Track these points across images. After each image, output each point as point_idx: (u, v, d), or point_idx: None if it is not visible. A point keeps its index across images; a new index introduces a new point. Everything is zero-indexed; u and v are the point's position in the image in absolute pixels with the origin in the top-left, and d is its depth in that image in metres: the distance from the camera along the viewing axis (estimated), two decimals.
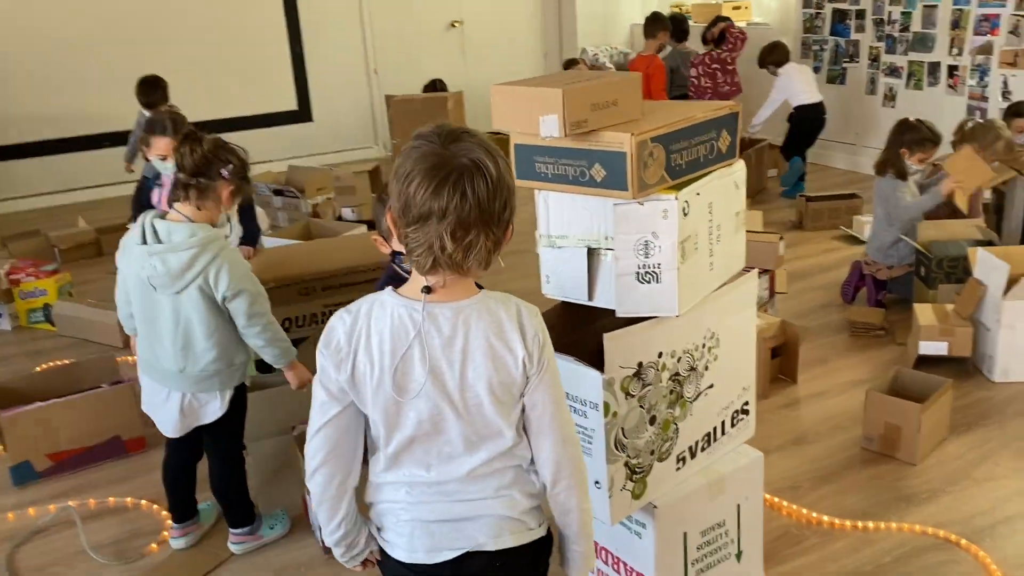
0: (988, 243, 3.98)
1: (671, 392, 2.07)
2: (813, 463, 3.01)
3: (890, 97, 6.68)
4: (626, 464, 2.03)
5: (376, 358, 1.42)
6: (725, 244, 2.11)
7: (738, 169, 2.13)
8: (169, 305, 2.40)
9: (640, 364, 1.98)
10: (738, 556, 2.32)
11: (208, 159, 2.38)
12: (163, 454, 2.68)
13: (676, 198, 1.87)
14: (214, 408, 2.50)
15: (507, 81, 1.98)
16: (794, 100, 6.25)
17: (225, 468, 2.62)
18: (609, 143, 1.83)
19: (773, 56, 6.36)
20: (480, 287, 1.50)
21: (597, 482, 2.03)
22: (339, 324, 1.47)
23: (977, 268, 3.59)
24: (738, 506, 2.27)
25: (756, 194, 6.38)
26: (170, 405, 2.50)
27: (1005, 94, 5.85)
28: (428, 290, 1.42)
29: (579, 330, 2.21)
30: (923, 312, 3.65)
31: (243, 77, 8.29)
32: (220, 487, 2.63)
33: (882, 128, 6.80)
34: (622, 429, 2.00)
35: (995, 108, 5.90)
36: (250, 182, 2.55)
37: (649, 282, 1.93)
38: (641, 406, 2.01)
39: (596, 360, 1.96)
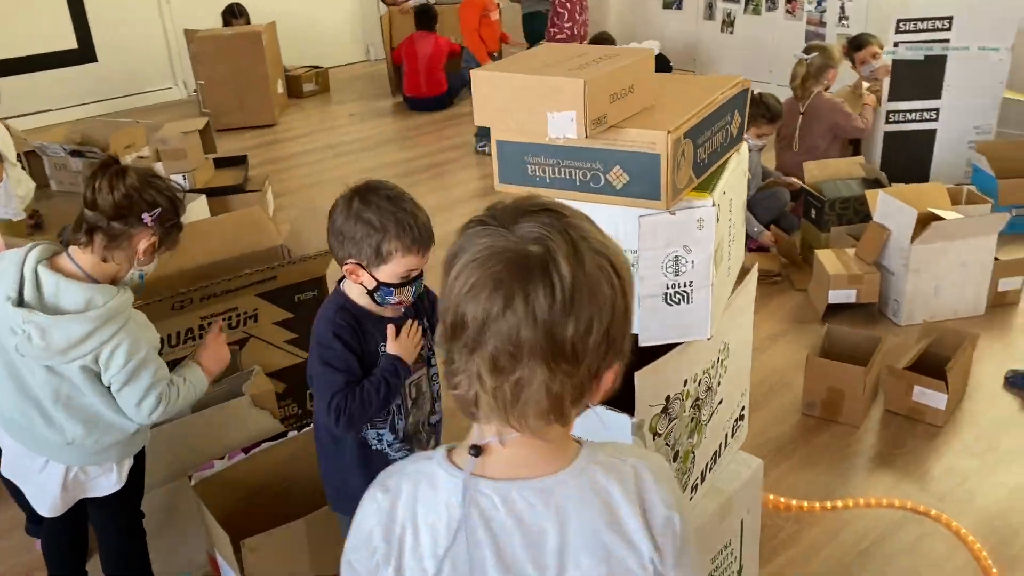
0: (875, 181, 3.98)
1: (691, 420, 1.79)
2: (761, 436, 2.87)
3: (728, 23, 6.65)
4: None
5: (431, 566, 0.95)
6: (736, 243, 1.83)
7: (744, 152, 1.84)
8: (42, 373, 1.82)
9: (668, 398, 1.68)
10: (739, 572, 2.13)
11: (131, 199, 1.77)
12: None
13: (713, 203, 1.55)
14: (108, 482, 1.97)
15: (490, 65, 1.56)
16: None
17: (125, 546, 2.10)
18: (636, 142, 1.48)
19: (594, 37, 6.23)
20: (579, 441, 1.02)
21: None
22: (372, 512, 1.00)
23: (878, 211, 3.56)
24: (741, 521, 2.07)
25: None
26: (47, 477, 1.94)
27: (842, 19, 5.94)
28: (477, 451, 0.95)
29: None
30: (827, 259, 3.59)
31: (4, 12, 7.01)
32: (118, 568, 2.11)
33: (722, 56, 6.81)
34: None
35: (833, 34, 5.99)
36: (180, 230, 1.93)
37: (678, 303, 1.62)
38: (667, 444, 1.73)
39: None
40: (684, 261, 1.58)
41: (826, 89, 4.60)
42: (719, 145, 1.68)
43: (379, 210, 1.66)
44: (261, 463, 2.42)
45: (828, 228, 3.92)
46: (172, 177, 4.52)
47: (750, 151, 4.14)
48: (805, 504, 2.56)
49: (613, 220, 1.60)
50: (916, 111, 4.80)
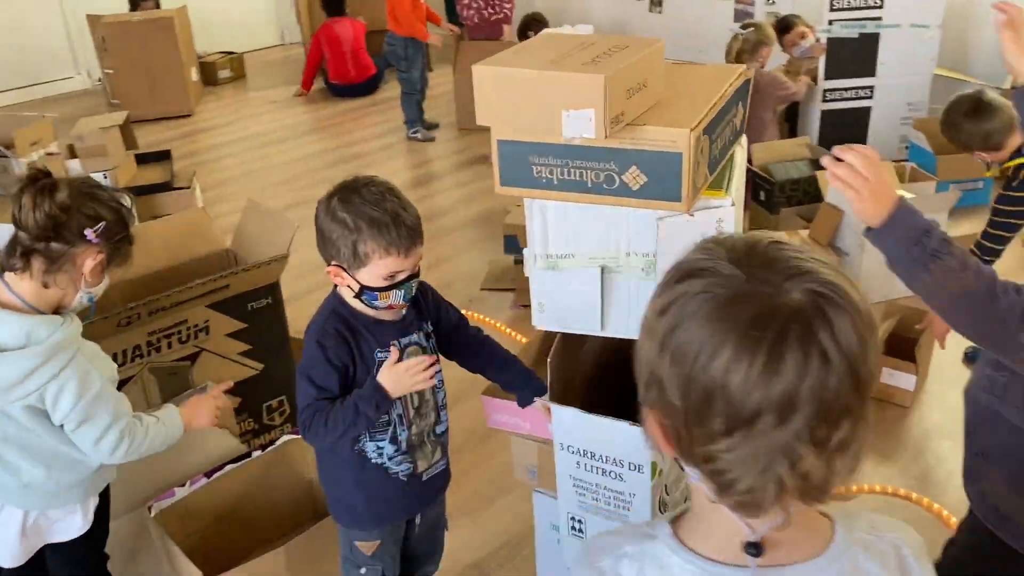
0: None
1: None
2: None
3: (657, 2, 6.61)
4: None
5: None
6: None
7: (744, 144, 1.76)
8: None
9: None
10: None
11: (59, 218, 1.56)
12: None
13: (732, 202, 1.46)
14: (73, 525, 1.78)
15: (489, 60, 1.43)
16: None
17: None
18: (656, 141, 1.37)
19: (532, 27, 6.08)
20: (826, 515, 0.86)
21: None
22: None
23: (830, 193, 3.56)
24: None
25: None
26: (4, 524, 1.73)
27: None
28: (757, 550, 0.79)
29: (566, 359, 1.77)
30: None
31: None
32: None
33: (652, 36, 6.78)
34: (665, 486, 1.62)
35: (761, 13, 6.00)
36: (130, 243, 1.73)
37: None
38: None
39: (600, 399, 1.57)
40: None
41: (761, 67, 4.58)
42: (727, 139, 1.60)
43: (355, 209, 1.54)
44: (225, 487, 2.25)
45: (778, 210, 3.92)
46: (92, 175, 4.23)
47: None
48: None
49: (622, 223, 1.50)
50: (852, 89, 4.85)
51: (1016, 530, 1.49)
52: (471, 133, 5.91)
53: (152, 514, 2.18)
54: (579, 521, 1.71)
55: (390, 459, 1.69)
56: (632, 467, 1.56)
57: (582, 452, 1.62)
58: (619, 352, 1.87)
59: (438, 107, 6.51)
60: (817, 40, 4.73)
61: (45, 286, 1.60)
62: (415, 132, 5.89)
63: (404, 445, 1.69)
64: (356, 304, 1.63)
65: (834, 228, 3.50)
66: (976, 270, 1.28)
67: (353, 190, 1.57)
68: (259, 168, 5.49)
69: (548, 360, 1.61)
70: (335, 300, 1.66)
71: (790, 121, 4.98)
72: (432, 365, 1.60)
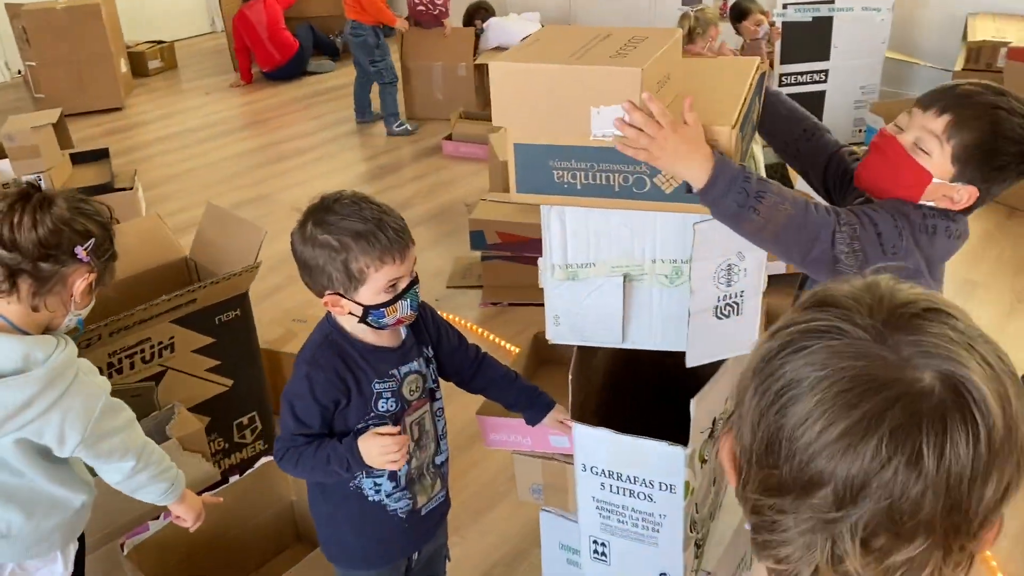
0: None
1: None
2: None
3: None
4: (696, 543, 1.59)
5: None
6: None
7: (759, 139, 1.68)
8: None
9: (714, 421, 1.51)
10: None
11: (61, 233, 1.42)
12: None
13: None
14: (53, 574, 1.61)
15: (505, 56, 1.32)
16: (516, 40, 5.82)
17: None
18: None
19: (479, 15, 5.94)
20: None
21: (664, 574, 1.57)
22: None
23: (799, 182, 3.52)
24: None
25: (485, 106, 6.00)
26: None
27: None
28: None
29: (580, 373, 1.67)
30: None
31: None
32: None
33: (599, 21, 6.69)
34: (696, 504, 1.54)
35: None
36: (115, 259, 1.57)
37: (728, 316, 1.45)
38: (710, 468, 1.56)
39: (614, 413, 1.49)
40: (737, 270, 1.40)
41: (711, 48, 4.52)
42: (749, 135, 1.51)
43: (335, 227, 1.41)
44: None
45: None
46: (26, 179, 3.96)
47: None
48: None
49: (648, 229, 1.40)
50: (806, 73, 4.85)
51: None
52: (422, 123, 5.75)
53: (125, 552, 2.03)
54: (602, 544, 1.61)
55: (388, 496, 1.57)
56: (664, 487, 1.47)
57: (607, 473, 1.52)
58: (629, 363, 1.78)
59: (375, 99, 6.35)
60: (772, 24, 4.70)
61: (35, 309, 1.46)
62: (399, 126, 5.62)
63: (403, 480, 1.57)
64: (357, 330, 1.50)
65: None
66: (792, 197, 1.29)
67: (325, 209, 1.43)
68: (201, 165, 5.24)
69: (569, 377, 1.51)
70: (329, 326, 1.52)
71: None
72: (403, 447, 1.46)
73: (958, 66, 4.63)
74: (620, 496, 1.53)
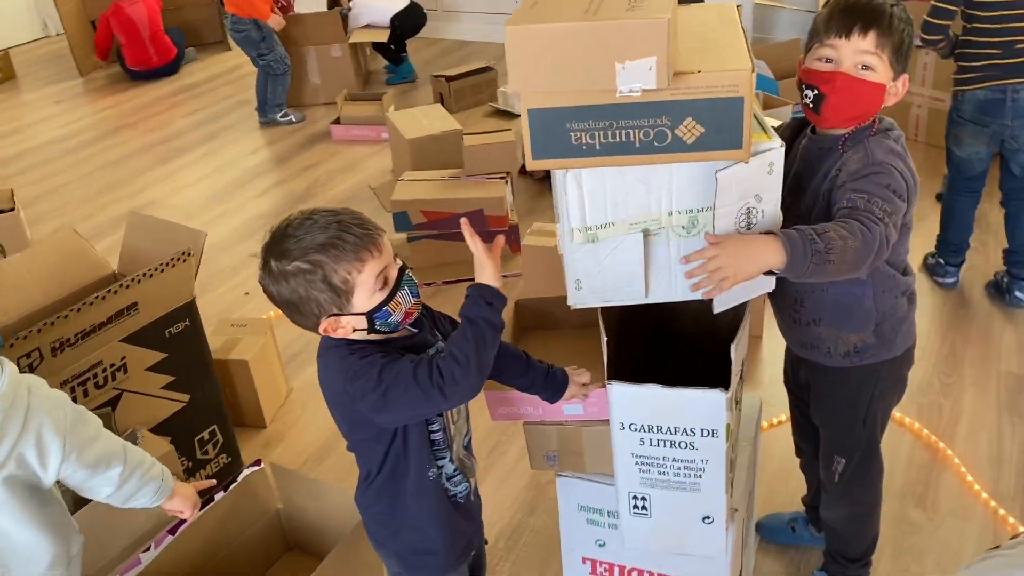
0: None
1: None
2: None
3: None
4: (731, 483, 1.63)
5: None
6: None
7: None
8: None
9: (743, 363, 1.55)
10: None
11: None
12: None
13: (780, 144, 1.41)
14: None
15: (515, 19, 1.28)
16: (385, 17, 5.71)
17: None
18: (714, 87, 1.28)
19: None
20: None
21: (707, 517, 1.60)
22: None
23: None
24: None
25: (366, 85, 5.89)
26: None
27: None
28: None
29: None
30: None
31: None
32: None
33: None
34: (731, 445, 1.57)
35: None
36: None
37: None
38: (740, 410, 1.60)
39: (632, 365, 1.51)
40: (755, 212, 1.43)
41: None
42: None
43: (298, 251, 1.30)
44: (193, 539, 1.99)
45: None
46: None
47: None
48: None
49: (664, 181, 1.41)
50: None
51: None
52: (304, 110, 5.55)
53: None
54: (642, 498, 1.63)
55: (449, 479, 1.51)
56: (707, 433, 1.49)
57: (646, 428, 1.53)
58: (623, 320, 1.79)
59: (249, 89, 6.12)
60: None
61: None
62: (285, 116, 5.37)
63: (457, 461, 1.53)
64: (367, 339, 1.39)
65: None
66: (847, 231, 1.38)
67: (280, 240, 1.32)
68: (74, 178, 4.88)
69: (604, 340, 1.51)
70: (341, 344, 1.38)
71: None
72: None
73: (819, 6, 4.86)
74: (661, 448, 1.54)
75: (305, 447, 2.68)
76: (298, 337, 3.22)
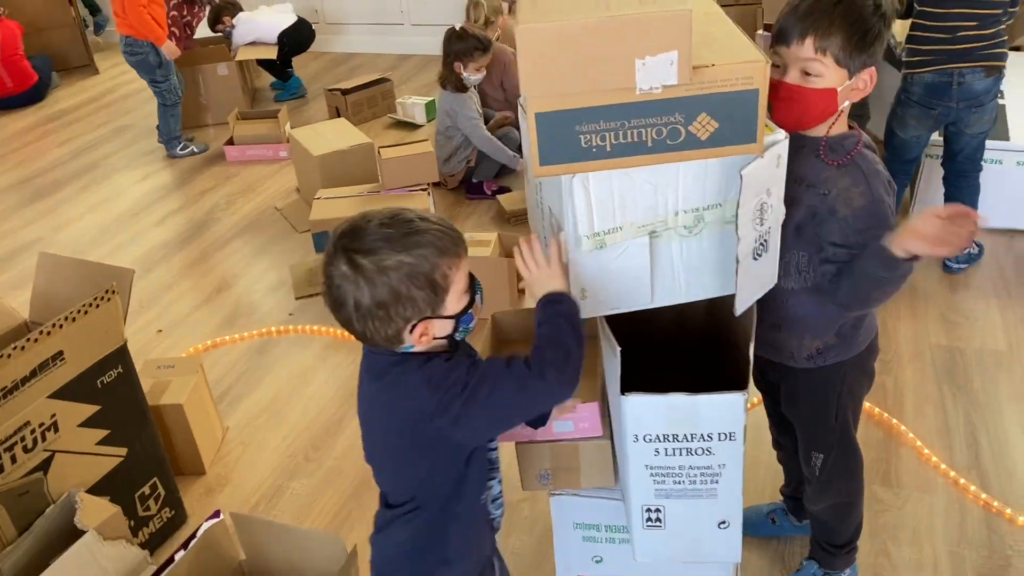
0: None
1: None
2: None
3: None
4: None
5: None
6: None
7: None
8: None
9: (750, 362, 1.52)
10: None
11: None
12: None
13: (784, 136, 1.38)
14: None
15: (523, 19, 1.21)
16: (272, 34, 5.48)
17: None
18: (728, 81, 1.25)
19: (226, 12, 5.51)
20: None
21: (723, 522, 1.57)
22: None
23: None
24: None
25: (254, 103, 5.65)
26: None
27: None
28: None
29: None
30: None
31: None
32: None
33: (350, 4, 6.48)
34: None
35: None
36: None
37: (761, 256, 1.45)
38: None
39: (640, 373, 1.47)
40: (767, 207, 1.40)
41: (496, 38, 4.52)
42: None
43: (401, 245, 1.21)
44: None
45: None
46: None
47: (471, 84, 3.98)
48: None
49: (672, 180, 1.36)
50: None
51: None
52: (191, 132, 5.25)
53: None
54: (656, 510, 1.57)
55: (493, 502, 1.45)
56: (724, 437, 1.45)
57: (661, 438, 1.48)
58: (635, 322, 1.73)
59: (133, 110, 5.78)
60: None
61: None
62: (184, 149, 4.98)
63: (500, 482, 1.47)
64: (437, 347, 1.31)
65: None
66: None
67: (365, 235, 1.21)
68: None
69: (617, 351, 1.44)
70: (407, 356, 1.29)
71: None
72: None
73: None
74: (677, 457, 1.49)
75: (253, 489, 2.50)
76: (227, 372, 3.02)
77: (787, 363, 1.73)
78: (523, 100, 1.30)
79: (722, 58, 1.25)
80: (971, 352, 2.83)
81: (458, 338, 1.31)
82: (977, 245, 3.27)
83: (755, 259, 1.42)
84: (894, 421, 2.54)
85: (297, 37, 5.60)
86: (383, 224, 1.22)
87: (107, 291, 2.03)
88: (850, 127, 1.56)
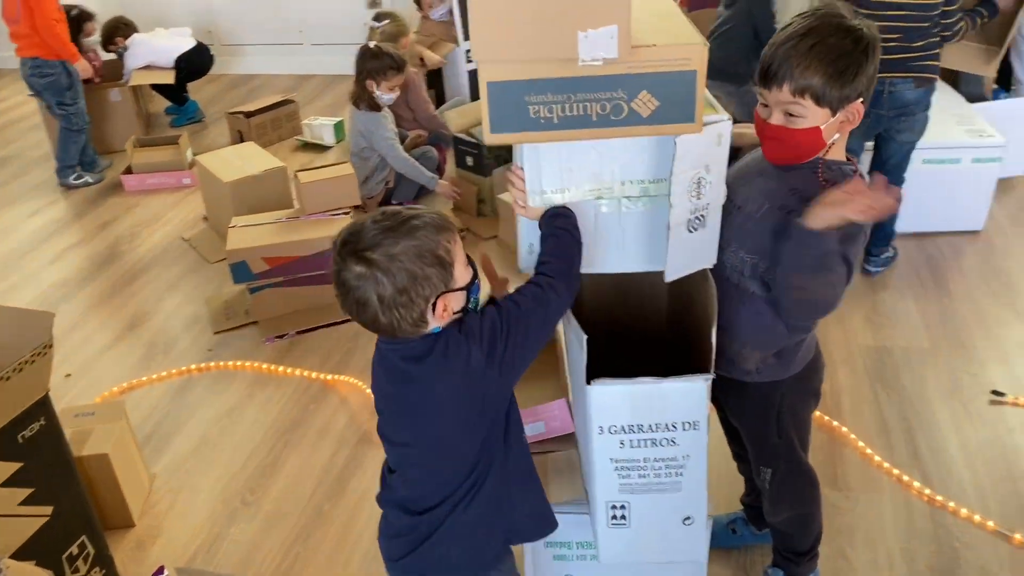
0: None
1: None
2: None
3: None
4: None
5: None
6: None
7: None
8: None
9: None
10: None
11: None
12: None
13: (727, 117, 1.41)
14: None
15: None
16: (169, 58, 5.26)
17: None
18: (668, 60, 1.29)
19: (120, 32, 5.26)
20: None
21: (688, 518, 1.58)
22: None
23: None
24: None
25: (148, 129, 5.39)
26: None
27: None
28: None
29: None
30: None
31: None
32: None
33: (245, 22, 6.28)
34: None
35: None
36: None
37: (696, 229, 1.48)
38: None
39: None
40: (705, 183, 1.44)
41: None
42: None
43: (402, 232, 1.28)
44: None
45: (489, 172, 3.90)
46: None
47: (385, 103, 3.90)
48: None
49: (616, 153, 1.41)
50: None
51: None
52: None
53: None
54: (621, 507, 1.57)
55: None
56: (688, 426, 1.48)
57: (626, 429, 1.48)
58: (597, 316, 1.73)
59: (15, 140, 5.43)
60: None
61: None
62: (78, 179, 4.68)
63: None
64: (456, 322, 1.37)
65: None
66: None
67: (365, 234, 1.28)
68: None
69: (584, 340, 1.45)
70: (435, 332, 1.34)
71: (435, 87, 4.97)
72: None
73: None
74: (642, 449, 1.53)
75: (189, 540, 2.35)
76: (148, 415, 2.84)
77: (731, 373, 1.74)
78: (476, 64, 1.35)
79: (663, 40, 1.30)
80: (897, 351, 2.93)
81: (471, 308, 1.36)
82: (892, 248, 3.40)
83: (690, 231, 1.46)
84: (835, 423, 2.59)
85: (196, 62, 5.38)
86: (376, 221, 1.29)
87: (43, 346, 1.86)
88: (848, 159, 1.58)
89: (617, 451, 1.52)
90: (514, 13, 1.23)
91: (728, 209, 1.53)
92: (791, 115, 1.48)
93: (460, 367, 1.32)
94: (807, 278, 1.49)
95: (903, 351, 2.93)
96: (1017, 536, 2.18)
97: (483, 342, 1.32)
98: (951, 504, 2.29)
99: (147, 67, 5.25)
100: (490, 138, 1.35)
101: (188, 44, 5.35)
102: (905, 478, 2.38)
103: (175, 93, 5.55)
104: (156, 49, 5.25)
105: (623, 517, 1.59)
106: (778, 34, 1.50)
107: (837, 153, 1.55)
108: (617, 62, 1.25)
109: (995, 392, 2.69)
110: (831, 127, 1.49)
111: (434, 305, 1.29)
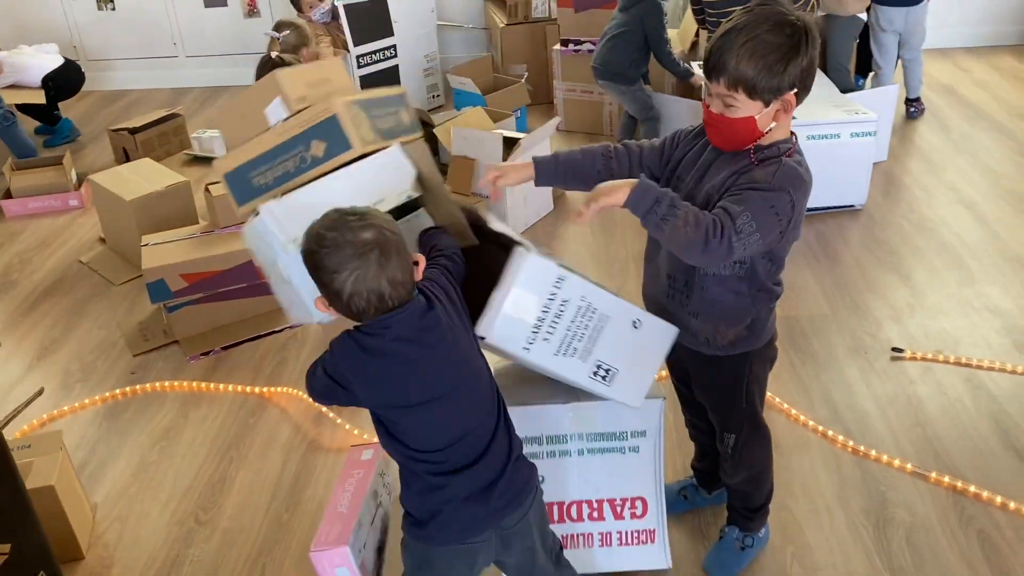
0: (425, 123, 4.08)
1: None
2: None
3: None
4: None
5: None
6: None
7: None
8: None
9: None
10: None
11: None
12: None
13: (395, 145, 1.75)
14: None
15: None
16: (36, 77, 5.01)
17: None
18: (317, 114, 1.65)
19: None
20: None
21: (637, 321, 1.81)
22: None
23: (455, 146, 3.70)
24: None
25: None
26: None
27: None
28: None
29: None
30: None
31: None
32: None
33: (110, 38, 6.02)
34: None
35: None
36: None
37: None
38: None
39: None
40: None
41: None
42: (395, 125, 1.80)
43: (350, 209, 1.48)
44: None
45: None
46: None
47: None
48: None
49: (326, 189, 1.63)
50: (378, 51, 4.99)
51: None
52: None
53: None
54: (605, 368, 1.78)
55: None
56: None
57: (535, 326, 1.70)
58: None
59: None
60: (333, 7, 4.74)
61: None
62: None
63: None
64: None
65: (471, 176, 3.66)
66: (695, 223, 1.56)
67: (332, 219, 1.45)
68: None
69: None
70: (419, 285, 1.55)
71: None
72: None
73: (501, 24, 5.17)
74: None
75: (146, 566, 2.28)
76: (78, 444, 2.74)
77: (701, 350, 1.87)
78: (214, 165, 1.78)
79: (313, 101, 1.69)
80: (804, 319, 3.16)
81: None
82: None
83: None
84: None
85: (65, 80, 5.15)
86: (326, 215, 1.45)
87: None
88: (791, 134, 1.71)
89: (547, 349, 1.70)
90: (235, 122, 1.74)
91: (693, 195, 1.65)
92: (728, 106, 1.61)
93: (445, 301, 1.53)
94: (659, 236, 1.61)
95: (808, 319, 3.16)
96: (932, 474, 2.41)
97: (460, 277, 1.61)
98: (873, 452, 2.51)
99: (12, 86, 4.98)
100: (239, 211, 1.72)
101: (56, 61, 5.11)
102: (830, 433, 2.59)
103: (45, 113, 5.28)
104: (22, 67, 4.98)
105: (606, 371, 1.79)
106: (720, 27, 1.62)
107: (780, 134, 1.69)
108: (290, 128, 1.65)
109: (895, 349, 2.95)
110: (765, 117, 1.62)
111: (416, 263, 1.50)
